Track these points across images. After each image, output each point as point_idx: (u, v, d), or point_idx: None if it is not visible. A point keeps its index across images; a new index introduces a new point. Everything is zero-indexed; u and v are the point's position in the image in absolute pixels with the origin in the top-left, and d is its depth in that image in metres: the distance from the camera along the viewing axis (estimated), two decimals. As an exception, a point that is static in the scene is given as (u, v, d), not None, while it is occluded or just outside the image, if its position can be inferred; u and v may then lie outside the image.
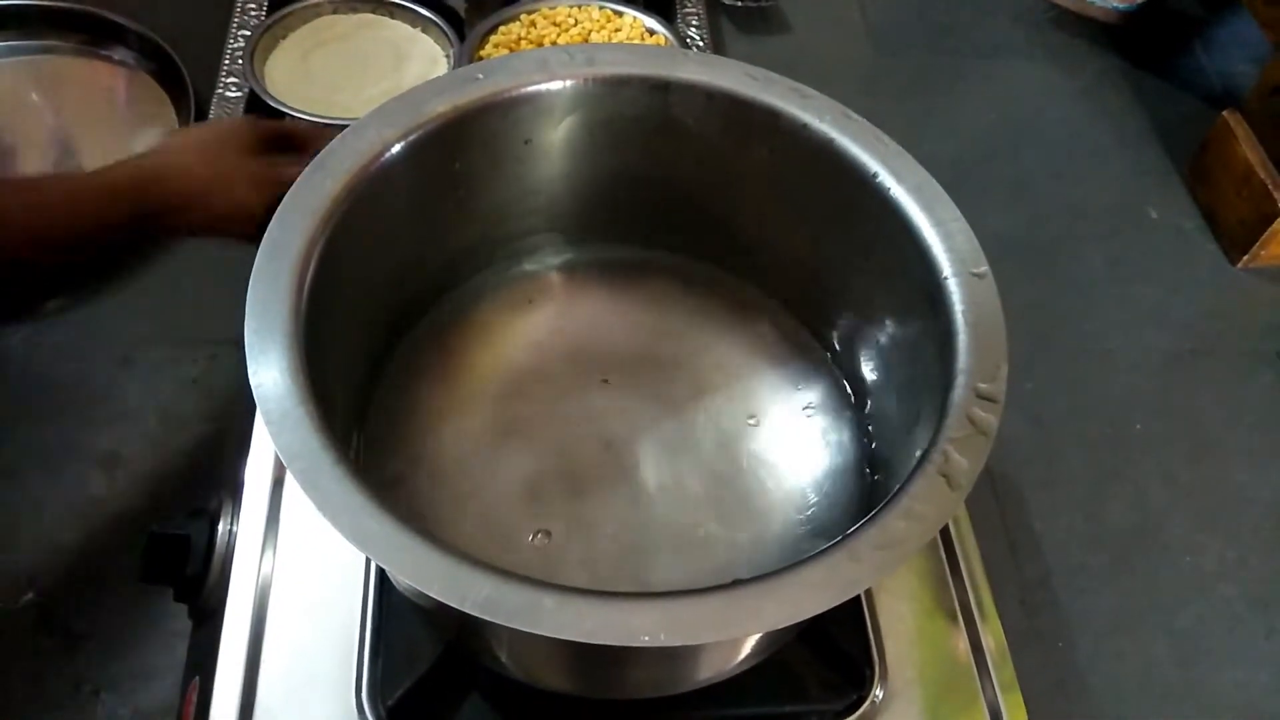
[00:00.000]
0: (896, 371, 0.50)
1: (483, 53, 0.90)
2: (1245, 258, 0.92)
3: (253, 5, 0.93)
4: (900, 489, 0.38)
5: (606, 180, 0.54)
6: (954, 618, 0.52)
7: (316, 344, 0.40)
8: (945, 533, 0.54)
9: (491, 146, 0.50)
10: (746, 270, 0.57)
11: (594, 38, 0.92)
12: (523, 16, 0.92)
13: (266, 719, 0.46)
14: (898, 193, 0.46)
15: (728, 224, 0.55)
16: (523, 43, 0.91)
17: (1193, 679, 0.69)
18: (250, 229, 0.48)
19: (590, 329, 0.56)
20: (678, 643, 0.34)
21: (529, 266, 0.57)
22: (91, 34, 0.92)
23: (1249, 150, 0.91)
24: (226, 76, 0.87)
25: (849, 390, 0.54)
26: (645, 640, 0.33)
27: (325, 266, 0.42)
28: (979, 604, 0.52)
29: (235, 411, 0.58)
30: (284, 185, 0.42)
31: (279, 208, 0.42)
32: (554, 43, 0.91)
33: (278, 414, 0.37)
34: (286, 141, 0.57)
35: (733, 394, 0.53)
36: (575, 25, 0.92)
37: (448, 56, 0.90)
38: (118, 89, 0.91)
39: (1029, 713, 0.49)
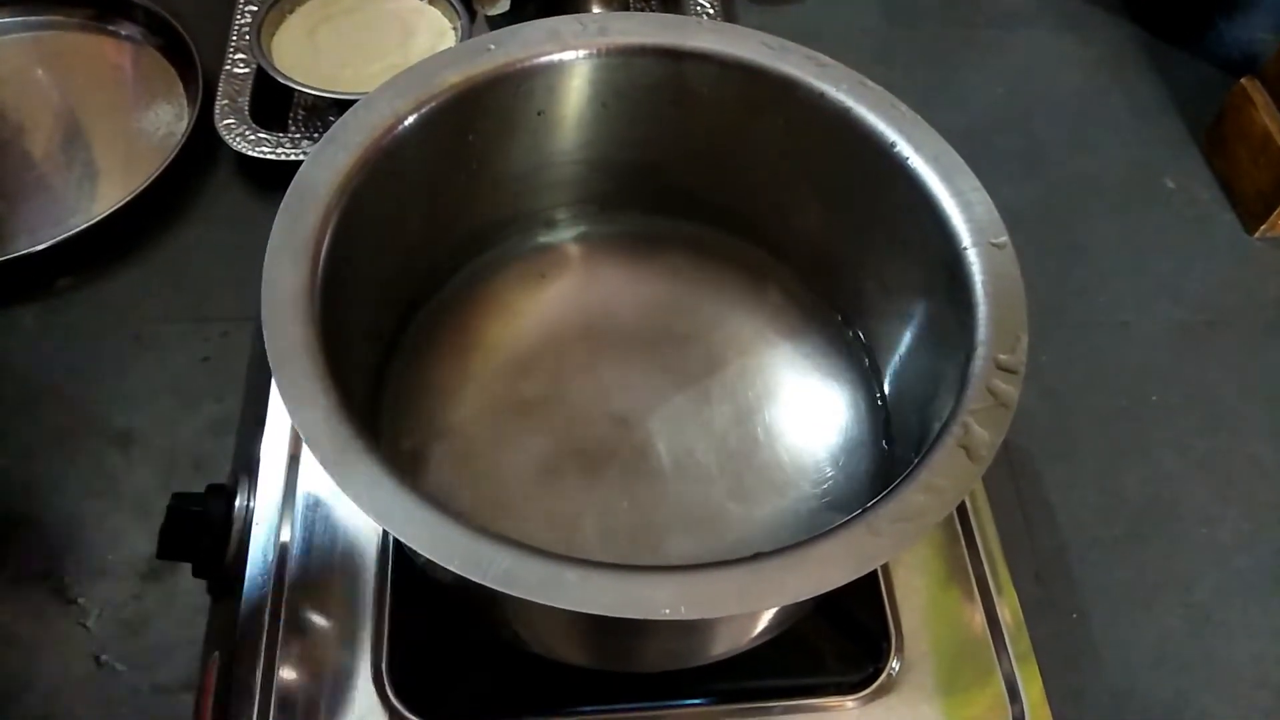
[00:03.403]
0: (914, 343, 0.49)
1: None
2: (1263, 227, 0.90)
3: (259, -21, 0.92)
4: (919, 461, 0.38)
5: (620, 151, 0.53)
6: (969, 590, 0.52)
7: (332, 320, 0.40)
8: (961, 505, 0.54)
9: (504, 118, 0.49)
10: (762, 242, 0.56)
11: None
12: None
13: (286, 693, 0.46)
14: (916, 163, 0.45)
15: (743, 195, 0.55)
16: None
17: (1208, 651, 0.69)
18: None
19: (604, 303, 0.55)
20: (698, 616, 0.34)
21: (543, 239, 0.57)
22: (97, 9, 0.91)
23: (1267, 118, 0.89)
24: (234, 53, 0.87)
25: (866, 362, 0.53)
26: (666, 614, 0.33)
27: (340, 241, 0.41)
28: (994, 576, 0.52)
29: (249, 388, 0.58)
30: None
31: (293, 181, 0.42)
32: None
33: (295, 391, 0.37)
34: None
35: (748, 367, 0.53)
36: None
37: (455, 29, 0.89)
38: (124, 65, 0.90)
39: (1044, 684, 0.49)
